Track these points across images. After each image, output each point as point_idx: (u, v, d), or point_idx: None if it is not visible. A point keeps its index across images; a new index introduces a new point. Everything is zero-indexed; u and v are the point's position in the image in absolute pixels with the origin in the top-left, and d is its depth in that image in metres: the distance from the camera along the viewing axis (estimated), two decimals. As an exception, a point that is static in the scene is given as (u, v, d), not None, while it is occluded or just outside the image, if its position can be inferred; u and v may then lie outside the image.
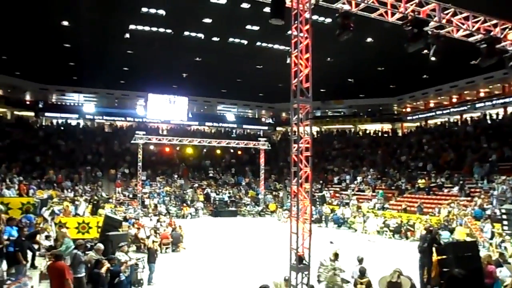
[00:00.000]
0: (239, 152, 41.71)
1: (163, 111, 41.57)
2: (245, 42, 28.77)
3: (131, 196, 31.43)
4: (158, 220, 20.21)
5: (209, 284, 11.87)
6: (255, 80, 37.16)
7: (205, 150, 39.91)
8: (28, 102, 40.65)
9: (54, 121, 40.37)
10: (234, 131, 46.51)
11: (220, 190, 34.76)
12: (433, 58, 10.37)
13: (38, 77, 38.15)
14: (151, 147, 36.74)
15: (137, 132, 31.78)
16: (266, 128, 48.49)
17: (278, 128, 49.00)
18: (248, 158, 41.51)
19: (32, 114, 39.74)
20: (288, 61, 8.93)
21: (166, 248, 16.75)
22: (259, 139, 36.40)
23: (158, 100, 41.37)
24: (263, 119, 50.09)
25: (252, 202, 33.50)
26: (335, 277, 9.90)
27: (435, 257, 10.74)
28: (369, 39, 26.58)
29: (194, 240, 18.79)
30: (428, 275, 10.85)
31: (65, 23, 25.61)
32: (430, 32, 10.15)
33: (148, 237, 15.17)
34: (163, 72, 34.63)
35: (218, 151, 39.94)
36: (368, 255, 11.52)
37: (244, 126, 47.30)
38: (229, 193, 34.43)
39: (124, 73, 35.87)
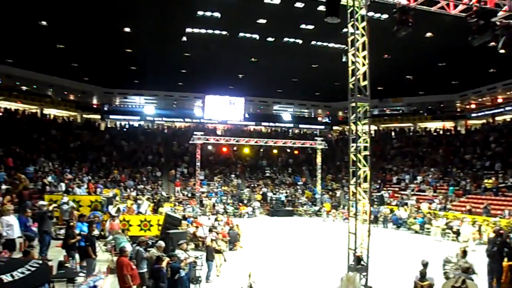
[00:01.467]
0: (296, 152, 41.61)
1: (220, 111, 42.50)
2: (300, 41, 28.68)
3: (189, 195, 32.30)
4: (216, 219, 20.58)
5: (266, 283, 11.95)
6: (311, 79, 37.00)
7: (261, 150, 40.27)
8: (95, 106, 43.10)
9: (118, 123, 42.41)
10: (290, 130, 46.56)
11: (276, 190, 34.90)
12: (502, 51, 9.81)
13: (104, 82, 40.41)
14: (209, 147, 37.52)
15: (195, 132, 32.64)
16: (322, 127, 48.06)
17: (334, 127, 48.42)
18: (304, 158, 41.38)
19: (98, 117, 42.01)
20: (344, 59, 8.80)
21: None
22: (316, 138, 36.12)
23: (215, 101, 42.41)
24: (319, 119, 49.65)
25: (309, 201, 33.33)
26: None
27: (506, 262, 10.16)
28: (428, 34, 25.56)
29: (251, 239, 18.97)
30: (498, 281, 10.28)
31: (127, 29, 26.86)
32: (498, 23, 9.61)
33: (206, 236, 15.49)
34: (220, 73, 35.35)
35: (275, 151, 40.09)
36: (431, 257, 11.08)
37: (300, 126, 47.23)
38: (286, 192, 34.48)
39: (182, 75, 37.00)
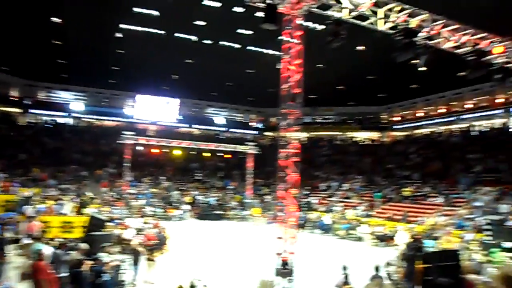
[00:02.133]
0: (227, 156, 41.64)
1: (153, 112, 41.55)
2: (237, 45, 28.87)
3: (117, 196, 31.14)
4: (144, 222, 20.00)
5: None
6: (246, 84, 37.28)
7: (193, 153, 39.82)
8: (14, 98, 40.11)
9: (42, 119, 39.95)
10: (222, 134, 46.51)
11: (207, 193, 34.65)
12: (421, 68, 10.50)
13: (26, 73, 37.75)
14: (139, 148, 36.49)
15: (124, 132, 31.57)
16: (255, 132, 48.56)
17: (267, 133, 49.06)
18: (236, 162, 41.45)
19: (18, 110, 39.24)
20: (279, 66, 8.97)
21: (151, 249, 16.58)
22: (248, 143, 36.38)
23: (147, 100, 41.35)
24: (252, 124, 50.10)
25: (239, 206, 33.43)
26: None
27: (418, 265, 10.81)
28: (360, 47, 26.77)
29: (178, 243, 18.65)
30: (412, 283, 10.92)
31: (55, 19, 25.39)
32: (419, 43, 10.28)
33: (132, 239, 15.01)
34: (154, 73, 34.60)
35: (206, 154, 39.86)
36: (353, 262, 11.54)
37: (233, 130, 47.35)
38: (216, 196, 34.33)
39: (114, 72, 35.70)
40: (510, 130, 32.24)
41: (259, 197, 35.57)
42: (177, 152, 37.86)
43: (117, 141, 32.26)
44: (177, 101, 42.32)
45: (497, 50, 11.18)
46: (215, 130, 46.52)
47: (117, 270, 10.68)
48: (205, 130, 46.18)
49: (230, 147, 35.68)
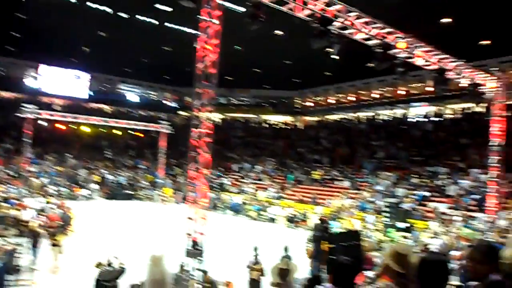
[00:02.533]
0: (139, 134, 40.29)
1: (59, 85, 38.57)
2: (154, 21, 27.68)
3: (14, 174, 28.74)
4: (47, 202, 18.73)
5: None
6: (162, 61, 35.99)
7: (102, 130, 37.92)
8: None
9: None
10: (135, 112, 44.71)
11: (116, 172, 33.33)
12: (334, 57, 10.84)
13: None
14: (42, 123, 33.87)
15: (24, 104, 29.02)
16: (169, 111, 47.33)
17: (181, 113, 48.11)
18: (148, 141, 40.26)
19: None
20: (196, 45, 8.74)
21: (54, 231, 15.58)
22: (161, 122, 35.46)
23: (52, 73, 38.27)
24: (167, 102, 48.81)
25: (150, 186, 32.67)
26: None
27: (325, 246, 11.35)
28: (278, 31, 27.07)
29: (85, 223, 17.74)
30: (319, 263, 11.45)
31: None
32: (334, 32, 10.58)
33: (31, 220, 13.96)
34: (62, 44, 31.89)
35: (117, 132, 38.19)
36: (264, 243, 11.81)
37: (146, 108, 45.69)
38: (127, 176, 33.17)
39: (14, 39, 32.48)
40: (409, 120, 34.87)
41: (171, 177, 35.05)
42: (85, 129, 35.78)
43: (16, 114, 29.55)
44: (87, 76, 39.76)
45: (401, 46, 11.91)
46: (127, 107, 44.52)
47: (12, 254, 9.87)
48: (117, 107, 44.05)
49: (143, 126, 34.53)
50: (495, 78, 16.03)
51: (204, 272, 8.83)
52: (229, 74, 36.15)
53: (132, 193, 30.84)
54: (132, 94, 45.78)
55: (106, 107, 43.30)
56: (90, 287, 8.15)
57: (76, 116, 30.79)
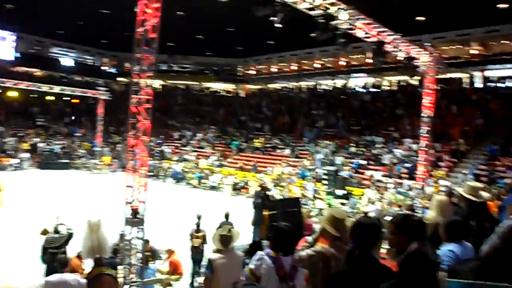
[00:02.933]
0: (75, 101, 38.38)
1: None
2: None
3: None
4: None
5: (30, 244, 10.87)
6: (99, 24, 33.98)
7: (34, 96, 35.64)
8: None
9: None
10: (70, 77, 42.27)
11: (50, 141, 31.72)
12: (278, 25, 10.80)
13: None
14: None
15: None
16: (107, 77, 45.24)
17: (120, 79, 46.19)
18: (85, 108, 38.55)
19: None
20: (136, 9, 8.34)
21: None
22: (98, 88, 33.94)
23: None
24: (105, 68, 46.57)
25: (88, 154, 31.49)
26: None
27: (266, 212, 11.62)
28: (221, -2, 26.48)
29: (15, 195, 16.90)
30: (259, 229, 11.73)
31: None
32: (278, 0, 10.49)
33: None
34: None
35: (50, 98, 36.09)
36: (206, 210, 11.86)
37: (83, 73, 43.26)
38: (61, 144, 31.68)
39: None
40: (348, 90, 35.86)
41: (110, 145, 34.00)
42: (13, 94, 33.46)
43: None
44: (13, 36, 36.71)
45: (343, 17, 12.07)
46: (61, 71, 41.92)
47: None
48: (49, 71, 41.37)
49: (79, 92, 32.85)
50: (428, 52, 16.78)
51: (146, 241, 8.75)
52: (171, 40, 35.06)
53: (68, 162, 29.57)
54: (66, 58, 43.09)
55: (37, 71, 40.53)
56: (32, 256, 7.85)
57: (1, 80, 28.48)
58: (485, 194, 4.80)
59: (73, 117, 37.73)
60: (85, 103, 38.62)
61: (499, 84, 27.15)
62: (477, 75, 29.65)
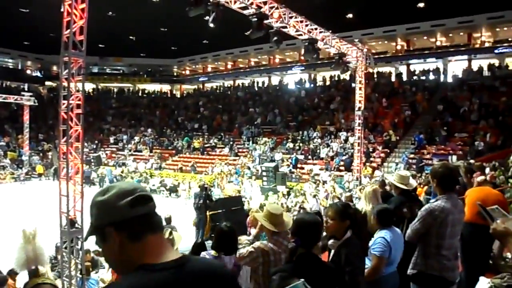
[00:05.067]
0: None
1: None
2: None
3: None
4: None
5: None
6: (20, 25, 31.92)
7: None
8: None
9: None
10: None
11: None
12: (211, 25, 10.77)
13: None
14: None
15: None
16: (32, 81, 42.54)
17: (47, 83, 43.74)
18: (8, 115, 36.11)
19: None
20: (62, 9, 7.97)
21: None
22: (23, 93, 31.92)
23: None
24: (28, 72, 43.77)
25: (14, 164, 29.49)
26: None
27: (208, 213, 11.60)
28: (152, -2, 26.01)
29: None
30: (202, 230, 11.68)
31: None
32: (211, 0, 10.46)
33: None
34: None
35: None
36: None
37: (3, 77, 40.32)
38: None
39: None
40: (284, 87, 36.52)
41: (41, 154, 32.16)
42: None
43: None
44: None
45: (275, 16, 12.30)
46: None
47: None
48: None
49: (0, 98, 30.51)
50: (357, 48, 17.49)
51: (86, 250, 8.44)
52: (102, 42, 33.88)
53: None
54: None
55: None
56: None
57: None
58: (413, 182, 5.11)
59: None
60: (8, 110, 36.20)
61: (422, 77, 28.86)
62: (403, 69, 31.39)
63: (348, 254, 2.98)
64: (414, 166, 19.21)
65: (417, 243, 3.49)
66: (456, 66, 28.73)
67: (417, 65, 30.55)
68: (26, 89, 38.00)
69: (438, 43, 30.90)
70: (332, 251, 3.20)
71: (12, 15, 29.44)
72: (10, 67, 43.16)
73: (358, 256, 3.14)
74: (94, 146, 32.82)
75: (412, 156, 21.15)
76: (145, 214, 1.34)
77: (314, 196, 15.52)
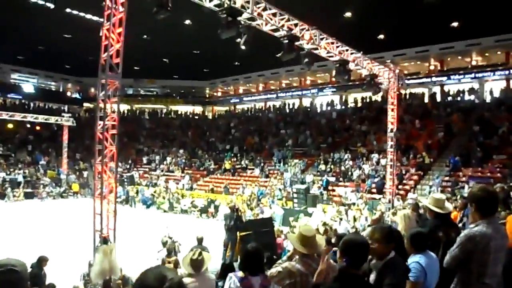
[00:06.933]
0: (38, 128, 37.28)
1: None
2: (52, 5, 25.55)
3: None
4: None
5: None
6: (62, 50, 33.41)
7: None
8: None
9: None
10: (32, 104, 41.15)
11: (12, 170, 30.54)
12: (243, 47, 10.95)
13: None
14: None
15: None
16: (72, 103, 44.38)
17: (85, 104, 45.36)
18: (49, 135, 37.55)
19: None
20: (101, 33, 8.32)
21: None
22: (63, 114, 33.19)
23: None
24: (68, 93, 45.67)
25: (53, 183, 30.46)
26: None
27: (239, 234, 11.56)
28: (187, 21, 26.68)
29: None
30: (233, 251, 11.64)
31: None
32: (242, 22, 10.65)
33: None
34: None
35: (10, 126, 34.83)
36: (177, 235, 11.68)
37: (45, 99, 42.21)
38: (24, 172, 30.56)
39: None
40: (315, 109, 36.42)
41: (77, 172, 33.13)
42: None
43: None
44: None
45: (306, 37, 12.38)
46: (22, 98, 40.79)
47: None
48: (9, 98, 40.18)
49: (42, 118, 31.85)
50: (389, 69, 17.33)
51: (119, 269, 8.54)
52: (137, 64, 34.91)
53: (32, 191, 28.51)
54: (27, 84, 42.00)
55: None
56: None
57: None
58: (449, 205, 4.95)
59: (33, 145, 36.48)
60: (49, 130, 37.63)
61: (457, 98, 28.23)
62: (437, 90, 30.79)
63: (394, 276, 3.03)
64: (449, 189, 18.62)
65: (456, 270, 3.35)
66: (493, 86, 27.97)
67: (452, 86, 29.89)
68: (66, 111, 39.49)
69: (473, 63, 30.25)
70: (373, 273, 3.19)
71: (56, 40, 30.90)
72: (53, 89, 45.16)
73: (403, 277, 3.19)
74: (128, 166, 33.51)
75: (447, 178, 20.54)
76: None
77: (340, 219, 15.22)
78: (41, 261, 8.27)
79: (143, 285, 1.35)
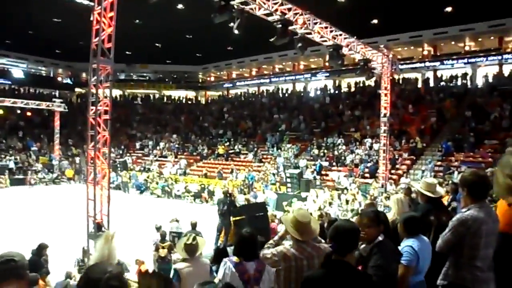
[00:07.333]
0: (29, 114, 36.83)
1: None
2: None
3: None
4: None
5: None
6: (52, 34, 32.89)
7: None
8: None
9: None
10: (22, 89, 40.53)
11: (3, 156, 30.26)
12: (236, 31, 10.85)
13: None
14: None
15: None
16: (63, 88, 43.82)
17: (77, 89, 44.92)
18: (40, 121, 37.17)
19: None
20: (92, 18, 8.20)
21: None
22: (54, 99, 32.84)
23: None
24: (59, 79, 45.08)
25: (45, 169, 30.30)
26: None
27: (232, 218, 11.61)
28: (179, 6, 26.38)
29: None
30: (226, 236, 11.70)
31: None
32: (236, 6, 10.54)
33: None
34: None
35: (0, 111, 34.38)
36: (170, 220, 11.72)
37: (36, 85, 41.62)
38: (15, 159, 30.33)
39: None
40: (308, 93, 36.37)
41: (70, 158, 32.96)
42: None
43: None
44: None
45: (300, 22, 12.29)
46: (11, 84, 40.14)
47: None
48: None
49: (32, 104, 31.46)
50: (382, 54, 17.30)
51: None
52: (129, 49, 34.54)
53: (24, 177, 28.35)
54: (17, 69, 41.32)
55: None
56: None
57: None
58: (440, 190, 5.00)
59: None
60: (40, 116, 37.25)
61: (450, 83, 28.28)
62: (430, 75, 30.81)
63: (380, 257, 3.06)
64: (441, 174, 18.78)
65: (448, 254, 3.39)
66: (486, 72, 28.03)
67: (445, 71, 29.92)
68: (57, 96, 39.06)
69: (466, 48, 30.26)
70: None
71: (46, 25, 30.38)
72: (43, 74, 44.56)
73: (390, 259, 3.21)
74: (121, 152, 33.41)
75: (439, 163, 20.71)
76: None
77: (330, 203, 15.37)
78: (41, 248, 8.29)
79: (89, 278, 1.56)
